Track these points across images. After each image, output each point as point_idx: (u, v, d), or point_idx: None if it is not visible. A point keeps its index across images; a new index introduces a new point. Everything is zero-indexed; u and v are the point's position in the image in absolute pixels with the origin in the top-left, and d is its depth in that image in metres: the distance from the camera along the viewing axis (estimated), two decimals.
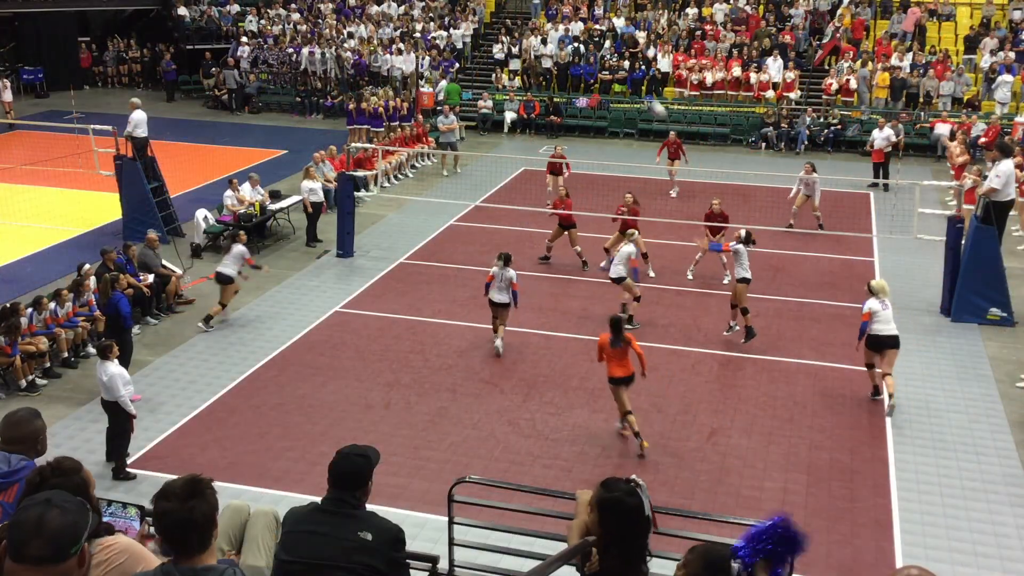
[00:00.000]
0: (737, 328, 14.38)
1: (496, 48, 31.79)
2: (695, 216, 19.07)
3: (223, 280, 14.76)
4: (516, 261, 15.56)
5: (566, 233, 17.32)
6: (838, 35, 29.67)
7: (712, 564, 3.47)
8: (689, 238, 18.09)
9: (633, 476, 4.04)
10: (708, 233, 16.52)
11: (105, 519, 4.24)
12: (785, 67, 28.74)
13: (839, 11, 30.75)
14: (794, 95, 28.35)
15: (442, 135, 24.65)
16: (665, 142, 22.19)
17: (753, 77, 28.51)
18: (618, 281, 14.75)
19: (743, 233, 14.44)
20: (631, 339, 11.34)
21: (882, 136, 22.58)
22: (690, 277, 16.84)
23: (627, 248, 14.84)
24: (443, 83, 29.37)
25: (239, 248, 14.92)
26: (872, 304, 12.39)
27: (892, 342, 12.33)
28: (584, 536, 4.26)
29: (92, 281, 14.44)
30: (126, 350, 12.56)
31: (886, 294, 12.60)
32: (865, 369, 12.73)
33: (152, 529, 4.35)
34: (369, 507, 4.41)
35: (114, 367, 10.66)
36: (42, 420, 4.55)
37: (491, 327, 14.04)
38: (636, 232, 15.50)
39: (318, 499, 4.43)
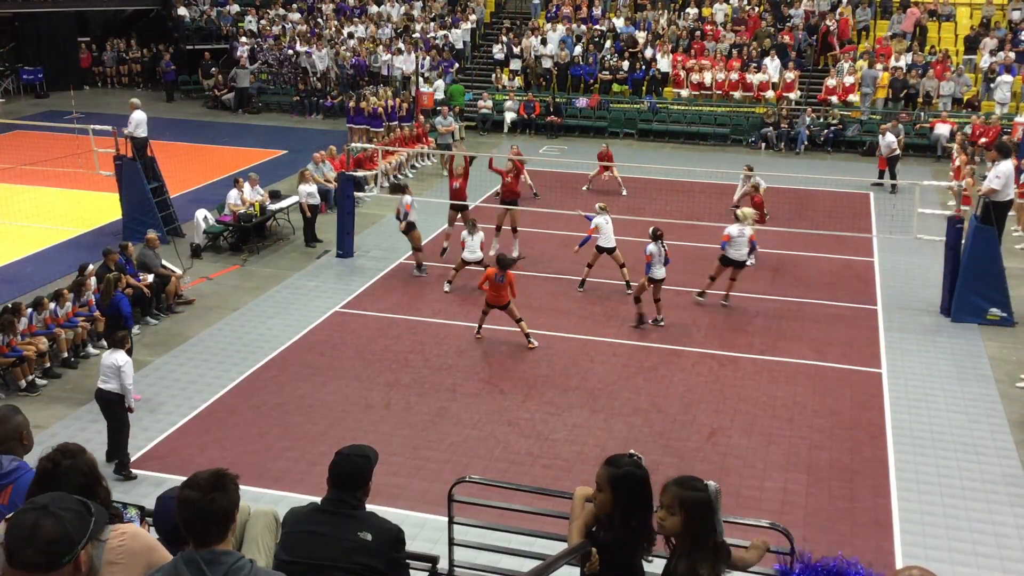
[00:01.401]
0: (663, 322, 14.91)
1: (496, 48, 31.80)
2: (695, 215, 19.10)
3: (409, 228, 16.79)
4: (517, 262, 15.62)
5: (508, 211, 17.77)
6: (831, 35, 29.72)
7: (689, 484, 3.94)
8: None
9: (632, 450, 4.18)
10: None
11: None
12: (784, 67, 28.77)
13: (839, 10, 30.78)
14: (794, 95, 28.37)
15: (440, 136, 24.66)
16: (599, 153, 22.67)
17: (753, 79, 28.53)
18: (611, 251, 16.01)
19: (651, 230, 14.81)
20: (512, 277, 13.85)
21: (885, 143, 22.60)
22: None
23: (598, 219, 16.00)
24: (439, 83, 29.39)
25: (408, 197, 16.68)
26: (732, 229, 15.19)
27: (740, 264, 15.41)
28: (585, 532, 4.28)
29: (92, 281, 14.45)
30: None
31: (748, 222, 15.31)
32: (711, 280, 15.59)
33: (153, 529, 4.37)
34: (369, 507, 4.42)
35: (126, 357, 10.66)
36: (23, 415, 4.55)
37: (452, 270, 16.10)
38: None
39: (318, 499, 4.43)
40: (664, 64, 29.61)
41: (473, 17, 33.38)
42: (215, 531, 3.39)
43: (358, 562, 4.18)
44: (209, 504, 3.37)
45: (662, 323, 14.89)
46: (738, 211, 15.62)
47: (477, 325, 14.42)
